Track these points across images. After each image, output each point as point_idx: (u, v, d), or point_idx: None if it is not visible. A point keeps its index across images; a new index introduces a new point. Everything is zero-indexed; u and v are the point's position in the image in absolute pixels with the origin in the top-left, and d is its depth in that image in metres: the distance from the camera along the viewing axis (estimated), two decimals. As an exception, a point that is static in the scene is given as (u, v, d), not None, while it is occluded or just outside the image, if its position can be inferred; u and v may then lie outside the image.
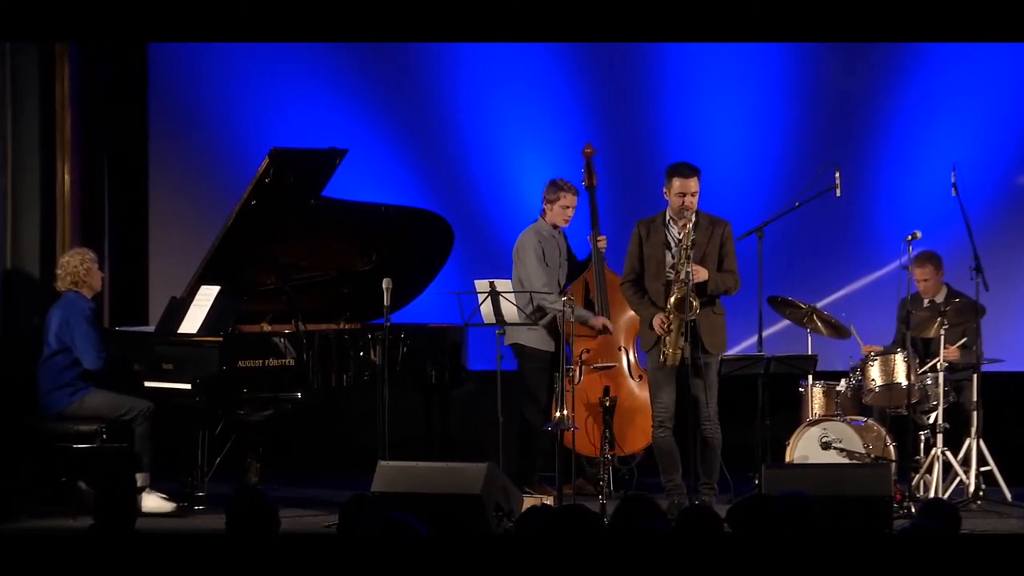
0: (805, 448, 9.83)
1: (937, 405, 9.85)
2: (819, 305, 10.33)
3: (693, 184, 9.38)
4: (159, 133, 11.70)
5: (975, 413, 9.82)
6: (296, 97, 11.59)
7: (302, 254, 10.13)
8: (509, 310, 9.69)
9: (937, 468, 9.73)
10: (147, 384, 9.60)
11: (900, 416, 9.96)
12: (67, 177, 10.96)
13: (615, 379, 10.29)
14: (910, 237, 9.62)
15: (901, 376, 9.82)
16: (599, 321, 10.33)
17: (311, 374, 9.70)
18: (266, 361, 9.60)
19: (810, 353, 9.99)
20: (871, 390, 9.92)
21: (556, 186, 10.38)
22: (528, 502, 8.74)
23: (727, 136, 11.43)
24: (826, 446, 9.81)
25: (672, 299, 9.27)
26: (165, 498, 9.41)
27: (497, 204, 11.57)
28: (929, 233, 9.85)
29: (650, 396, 9.58)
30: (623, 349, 10.42)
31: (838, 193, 10.12)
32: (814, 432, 9.87)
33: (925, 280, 10.25)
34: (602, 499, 9.40)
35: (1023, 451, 10.41)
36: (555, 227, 10.42)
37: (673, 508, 9.23)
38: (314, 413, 10.65)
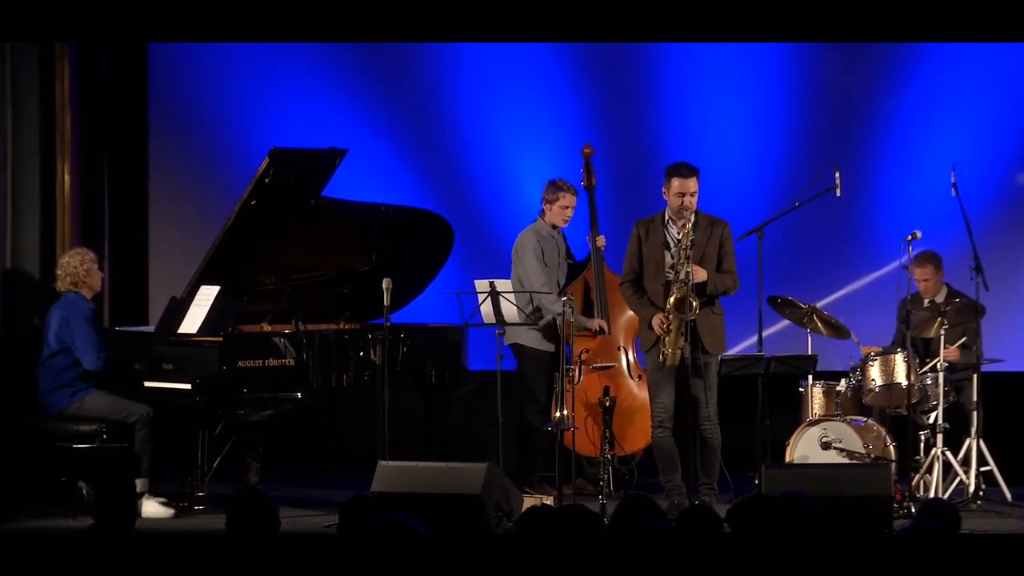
0: (805, 448, 9.83)
1: (937, 405, 9.85)
2: (819, 305, 10.33)
3: (692, 184, 9.38)
4: (159, 133, 11.70)
5: (975, 413, 9.82)
6: (296, 97, 11.59)
7: (302, 254, 10.13)
8: (509, 310, 9.69)
9: (937, 468, 9.73)
10: (147, 384, 9.60)
11: (900, 416, 9.96)
12: (67, 177, 10.96)
13: (614, 379, 10.29)
14: (910, 237, 9.62)
15: (901, 376, 9.82)
16: (595, 323, 10.33)
17: (311, 374, 9.70)
18: (266, 361, 9.60)
19: (810, 353, 9.99)
20: (871, 390, 9.92)
21: (555, 186, 10.38)
22: (528, 502, 8.74)
23: (727, 136, 11.43)
24: (826, 446, 9.81)
25: (671, 299, 9.27)
26: (164, 503, 9.40)
27: (497, 204, 11.57)
28: (929, 233, 9.85)
29: (649, 396, 9.58)
30: (622, 349, 10.42)
31: (838, 193, 10.12)
32: (814, 432, 9.87)
33: (925, 280, 10.25)
34: (602, 499, 9.40)
35: (1023, 451, 10.41)
36: (554, 227, 10.42)
37: (673, 508, 9.23)
38: (314, 413, 10.65)
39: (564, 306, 9.46)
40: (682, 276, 9.23)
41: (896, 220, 10.97)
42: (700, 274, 9.31)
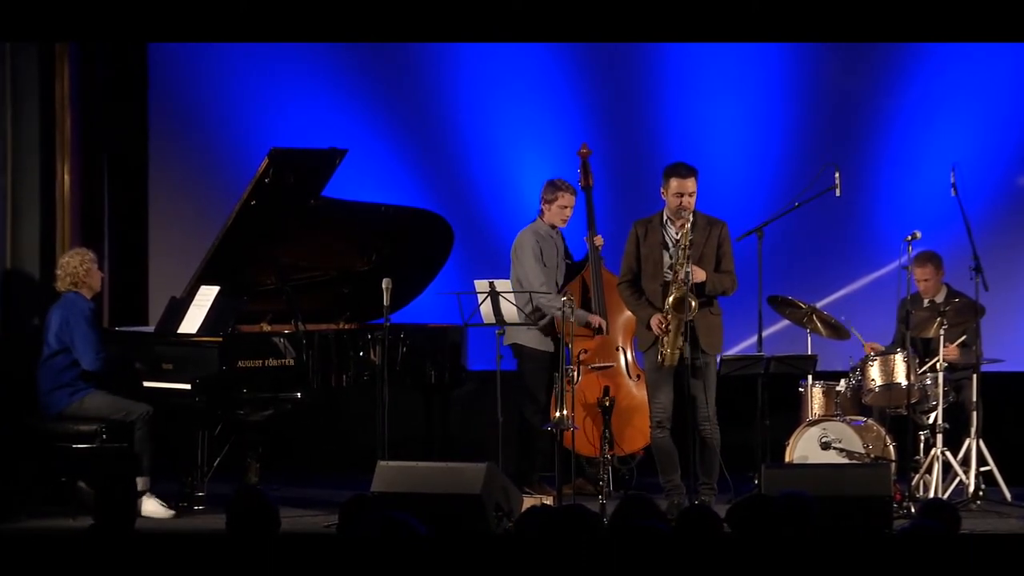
0: (805, 448, 9.83)
1: (937, 405, 9.85)
2: (819, 305, 10.33)
3: (691, 184, 9.38)
4: (159, 133, 11.70)
5: (975, 413, 9.82)
6: (296, 97, 11.59)
7: (302, 254, 10.13)
8: (509, 310, 9.69)
9: (937, 468, 9.73)
10: (147, 384, 9.60)
11: (900, 416, 9.96)
12: (67, 177, 10.96)
13: (613, 379, 10.29)
14: (910, 237, 9.62)
15: (901, 376, 9.82)
16: (596, 318, 10.33)
17: (311, 374, 9.70)
18: (266, 361, 9.60)
19: (810, 353, 9.99)
20: (871, 390, 9.92)
21: (554, 186, 10.39)
22: (528, 502, 8.74)
23: (727, 136, 11.43)
24: (826, 446, 9.81)
25: (670, 299, 9.27)
26: (164, 504, 9.40)
27: (497, 204, 11.57)
28: (929, 233, 9.85)
29: (648, 396, 9.58)
30: (621, 349, 10.41)
31: (838, 193, 10.12)
32: (814, 432, 9.87)
33: (925, 280, 10.25)
34: (602, 499, 9.40)
35: (1023, 451, 10.41)
36: (553, 227, 10.43)
37: (673, 508, 9.23)
38: (314, 413, 10.65)
39: (564, 306, 9.45)
40: (681, 276, 9.22)
41: (896, 220, 10.97)
42: (699, 274, 9.31)
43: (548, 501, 9.33)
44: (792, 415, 10.17)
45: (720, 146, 11.35)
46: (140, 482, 9.34)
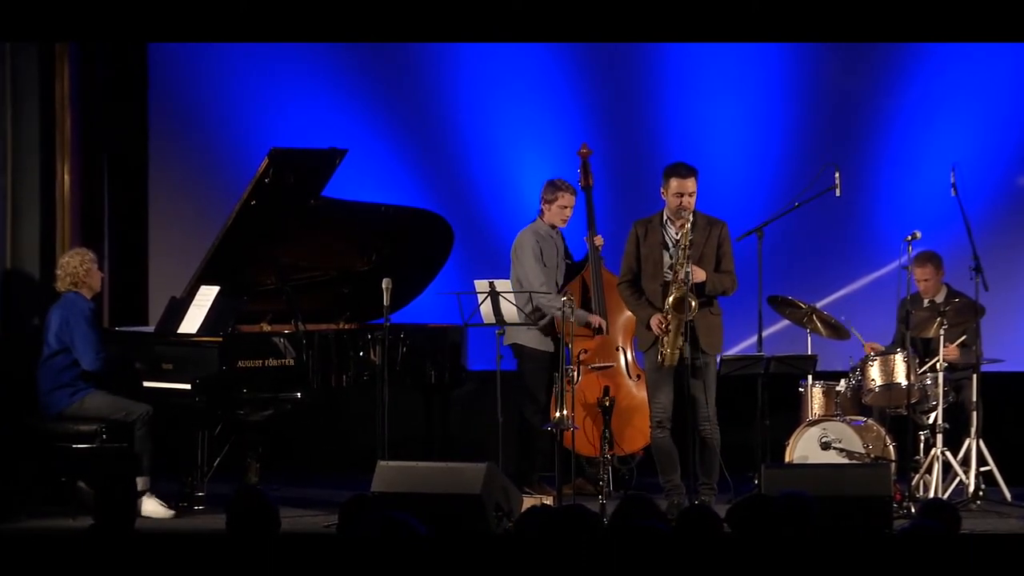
0: (805, 448, 9.83)
1: (937, 405, 9.85)
2: (819, 305, 10.33)
3: (690, 184, 9.38)
4: (159, 133, 11.70)
5: (975, 413, 9.82)
6: (296, 97, 11.59)
7: (302, 254, 10.13)
8: (509, 310, 9.69)
9: (937, 468, 9.73)
10: (147, 384, 9.60)
11: (900, 416, 9.96)
12: (67, 177, 10.96)
13: (613, 379, 10.29)
14: (910, 237, 9.62)
15: (901, 376, 9.82)
16: (596, 318, 10.33)
17: (311, 374, 9.70)
18: (266, 361, 9.60)
19: (810, 353, 9.99)
20: (871, 390, 9.92)
21: (554, 186, 10.39)
22: (528, 502, 8.74)
23: (727, 136, 11.43)
24: (826, 446, 9.81)
25: (670, 299, 9.27)
26: (164, 505, 9.40)
27: (497, 204, 11.57)
28: (929, 233, 9.85)
29: (648, 397, 9.58)
30: (621, 349, 10.41)
31: (838, 193, 10.12)
32: (814, 432, 9.87)
33: (925, 280, 10.25)
34: (602, 499, 9.40)
35: (1023, 451, 10.41)
36: (553, 227, 10.43)
37: (673, 508, 9.23)
38: (314, 413, 10.65)
39: (564, 306, 9.45)
40: (681, 276, 9.22)
41: (896, 220, 10.97)
42: (700, 274, 9.31)
43: (548, 501, 9.33)
44: (792, 415, 10.17)
45: (720, 146, 11.34)
46: (140, 482, 9.35)
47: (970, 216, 9.85)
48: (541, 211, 10.43)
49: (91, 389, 9.57)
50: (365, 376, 9.90)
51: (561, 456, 9.43)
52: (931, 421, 9.91)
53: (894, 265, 10.11)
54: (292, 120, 11.51)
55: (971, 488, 9.69)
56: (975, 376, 9.82)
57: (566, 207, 10.38)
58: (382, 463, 8.76)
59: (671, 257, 9.38)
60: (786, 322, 10.58)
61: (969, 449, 9.78)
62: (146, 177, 11.69)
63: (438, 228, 10.44)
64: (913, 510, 9.28)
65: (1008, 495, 9.85)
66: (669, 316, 9.28)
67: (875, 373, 9.90)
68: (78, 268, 9.66)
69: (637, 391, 10.22)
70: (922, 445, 9.93)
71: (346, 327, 10.30)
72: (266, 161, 9.47)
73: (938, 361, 9.87)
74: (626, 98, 11.56)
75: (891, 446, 9.80)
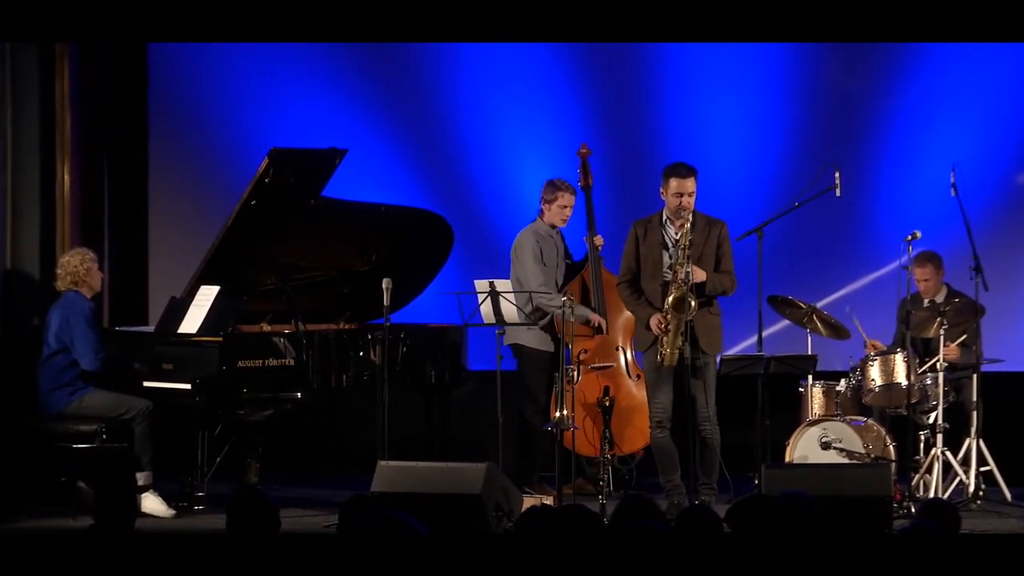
0: (805, 448, 9.83)
1: (937, 405, 9.85)
2: (819, 305, 10.33)
3: (690, 184, 9.38)
4: (159, 133, 11.70)
5: (975, 413, 9.82)
6: (296, 97, 11.59)
7: (302, 254, 10.13)
8: (509, 310, 9.69)
9: (937, 468, 9.73)
10: (147, 384, 9.60)
11: (900, 416, 9.96)
12: (67, 177, 10.96)
13: (613, 379, 10.29)
14: (910, 237, 9.62)
15: (901, 376, 9.82)
16: (597, 317, 10.33)
17: (311, 374, 9.70)
18: (266, 361, 9.60)
19: (810, 353, 9.99)
20: (871, 390, 9.92)
21: (554, 186, 10.39)
22: (528, 502, 8.74)
23: (727, 136, 11.43)
24: (826, 446, 9.81)
25: (670, 299, 9.27)
26: (165, 503, 9.40)
27: (497, 204, 11.57)
28: (929, 233, 9.85)
29: (648, 397, 9.58)
30: (621, 349, 10.41)
31: (838, 193, 10.12)
32: (814, 432, 9.87)
33: (925, 280, 10.25)
34: (602, 499, 9.40)
35: (1023, 451, 10.41)
36: (553, 227, 10.43)
37: (673, 508, 9.23)
38: (314, 413, 10.65)
39: (564, 306, 9.44)
40: (681, 276, 9.22)
41: (896, 220, 10.97)
42: (699, 274, 9.31)
43: (548, 501, 9.33)
44: (792, 415, 10.17)
45: (720, 146, 11.35)
46: (141, 478, 9.35)
47: (970, 216, 9.85)
48: (541, 211, 10.43)
49: (90, 388, 9.57)
50: (365, 376, 9.90)
51: (561, 456, 9.43)
52: (931, 421, 9.91)
53: (894, 265, 10.11)
54: (292, 120, 11.51)
55: (971, 488, 9.69)
56: (975, 376, 9.82)
57: (566, 207, 10.38)
58: (382, 463, 8.76)
59: (671, 257, 9.38)
60: (786, 322, 10.58)
61: (969, 449, 9.78)
62: (146, 177, 11.69)
63: (438, 228, 10.44)
64: (913, 510, 9.28)
65: (1008, 495, 9.85)
66: (668, 316, 9.28)
67: (875, 373, 9.90)
68: (78, 267, 9.66)
69: (637, 391, 10.22)
70: (922, 445, 9.93)
71: (346, 327, 10.30)
72: (266, 161, 9.47)
73: (938, 361, 9.87)
74: (626, 98, 11.56)
75: (891, 446, 9.80)
